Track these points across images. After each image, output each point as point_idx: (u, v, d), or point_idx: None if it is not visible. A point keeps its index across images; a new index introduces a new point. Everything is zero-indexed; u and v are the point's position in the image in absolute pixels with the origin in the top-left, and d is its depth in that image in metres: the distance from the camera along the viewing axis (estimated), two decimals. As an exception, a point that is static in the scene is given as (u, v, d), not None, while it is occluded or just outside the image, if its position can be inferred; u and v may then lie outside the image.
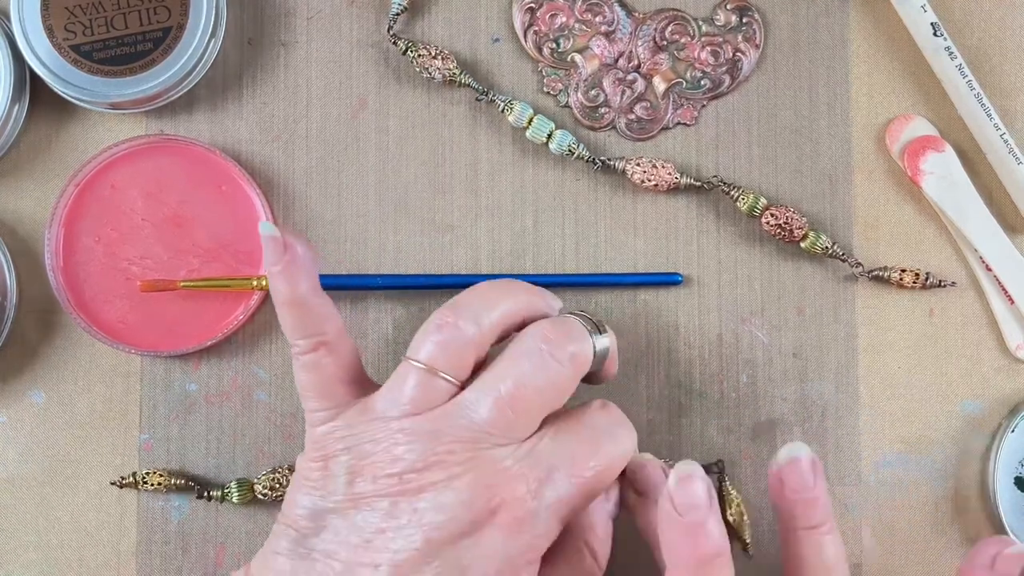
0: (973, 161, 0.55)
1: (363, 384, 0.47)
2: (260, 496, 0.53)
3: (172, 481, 0.53)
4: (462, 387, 0.45)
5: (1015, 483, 0.54)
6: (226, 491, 0.53)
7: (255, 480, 0.53)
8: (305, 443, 0.46)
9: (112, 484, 0.54)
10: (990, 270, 0.55)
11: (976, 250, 0.55)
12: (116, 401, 0.55)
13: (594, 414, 0.47)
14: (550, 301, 0.48)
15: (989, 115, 0.54)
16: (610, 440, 0.46)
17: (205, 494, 0.53)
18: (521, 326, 0.47)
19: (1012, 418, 0.54)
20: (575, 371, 0.46)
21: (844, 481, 0.55)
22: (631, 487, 0.49)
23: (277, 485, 0.53)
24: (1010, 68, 0.56)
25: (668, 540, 0.44)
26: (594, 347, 0.46)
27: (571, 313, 0.47)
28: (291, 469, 0.53)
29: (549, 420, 0.46)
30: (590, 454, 0.45)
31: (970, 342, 0.55)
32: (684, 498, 0.43)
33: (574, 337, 0.46)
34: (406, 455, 0.44)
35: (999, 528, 0.54)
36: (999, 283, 0.55)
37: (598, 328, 0.47)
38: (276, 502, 0.54)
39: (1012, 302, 0.55)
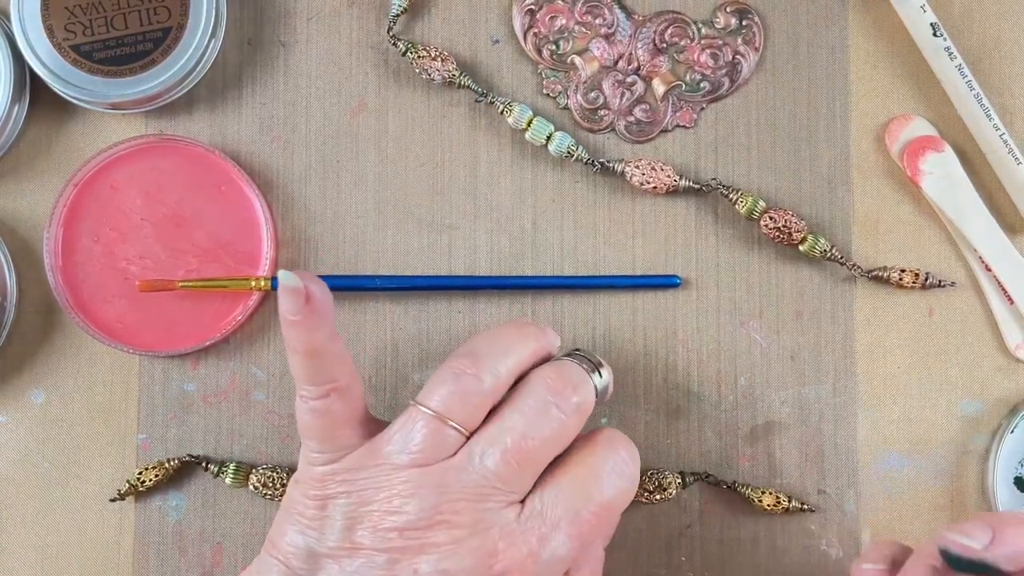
0: (973, 161, 0.55)
1: (367, 426, 0.46)
2: (253, 488, 0.53)
3: (169, 465, 0.53)
4: (468, 437, 0.44)
5: (1015, 483, 0.54)
6: (223, 468, 0.53)
7: (253, 469, 0.53)
8: (299, 473, 0.46)
9: (112, 500, 0.54)
10: (990, 270, 0.55)
11: (976, 250, 0.55)
12: (115, 401, 0.55)
13: (600, 456, 0.45)
14: (551, 339, 0.48)
15: (988, 115, 0.54)
16: (613, 486, 0.45)
17: (204, 465, 0.53)
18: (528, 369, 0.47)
19: (1012, 418, 0.54)
20: (579, 420, 0.45)
21: (843, 482, 0.54)
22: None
23: (271, 483, 0.53)
24: (1009, 68, 0.56)
25: None
26: (595, 388, 0.46)
27: (570, 355, 0.47)
28: (289, 472, 0.53)
29: (551, 465, 0.45)
30: (592, 504, 0.44)
31: (970, 342, 0.55)
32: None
33: (578, 387, 0.45)
34: (409, 508, 0.43)
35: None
36: (999, 283, 0.55)
37: (596, 366, 0.47)
38: (268, 500, 0.54)
39: (1012, 302, 0.54)
